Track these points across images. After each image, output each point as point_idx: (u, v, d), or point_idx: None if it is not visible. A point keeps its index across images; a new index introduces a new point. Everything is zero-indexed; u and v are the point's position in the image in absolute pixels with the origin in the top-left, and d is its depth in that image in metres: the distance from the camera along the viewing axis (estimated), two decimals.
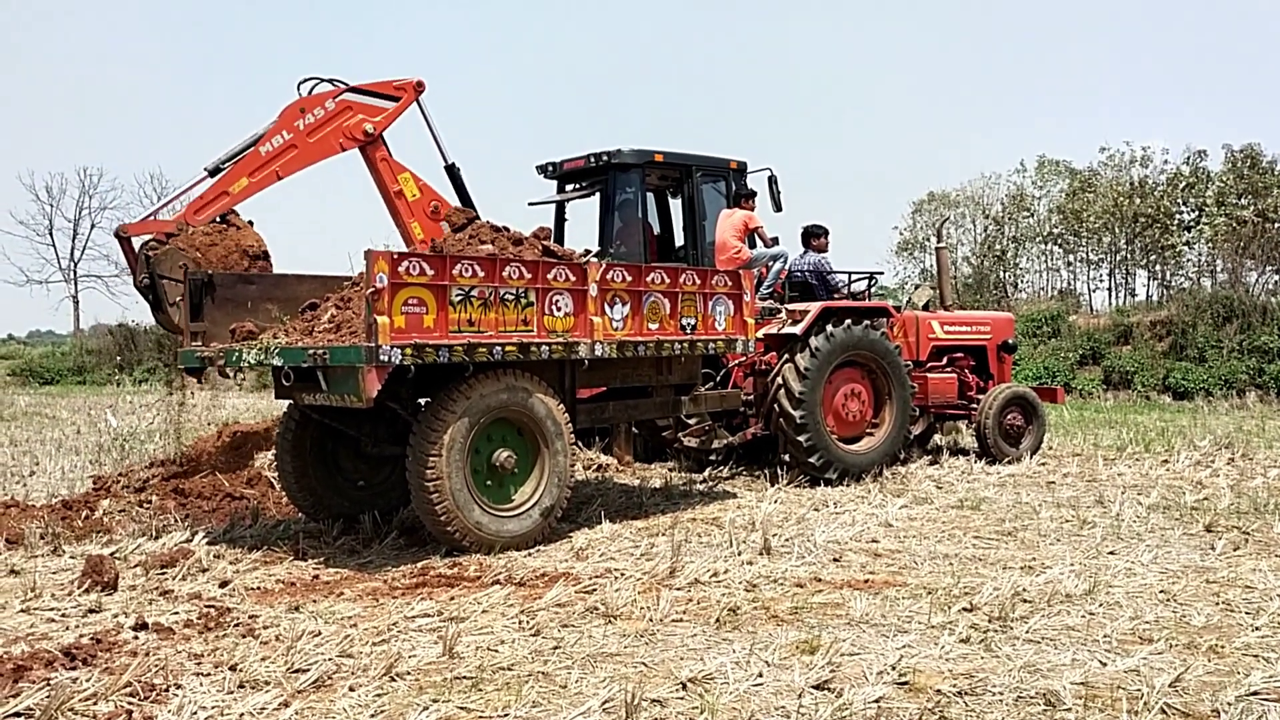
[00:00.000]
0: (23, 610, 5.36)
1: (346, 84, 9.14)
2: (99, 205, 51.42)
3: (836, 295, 10.52)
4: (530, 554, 6.65)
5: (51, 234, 49.90)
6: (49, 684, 4.11)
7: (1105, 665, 4.28)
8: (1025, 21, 79.61)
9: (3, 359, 43.33)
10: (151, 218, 8.84)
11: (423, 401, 6.77)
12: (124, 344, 38.49)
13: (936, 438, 12.03)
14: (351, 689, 4.11)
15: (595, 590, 5.56)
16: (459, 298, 6.37)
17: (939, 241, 13.96)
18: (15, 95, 78.21)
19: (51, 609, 5.38)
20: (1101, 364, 22.96)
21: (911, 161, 72.85)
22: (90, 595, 5.58)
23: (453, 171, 9.76)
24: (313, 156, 8.87)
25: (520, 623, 5.01)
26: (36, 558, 6.62)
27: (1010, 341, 11.93)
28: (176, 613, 5.27)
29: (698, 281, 7.99)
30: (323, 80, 9.12)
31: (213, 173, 8.96)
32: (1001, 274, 35.64)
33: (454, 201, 9.57)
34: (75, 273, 49.87)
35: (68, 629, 5.03)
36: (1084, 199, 33.59)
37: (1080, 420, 15.64)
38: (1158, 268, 33.08)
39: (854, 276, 10.95)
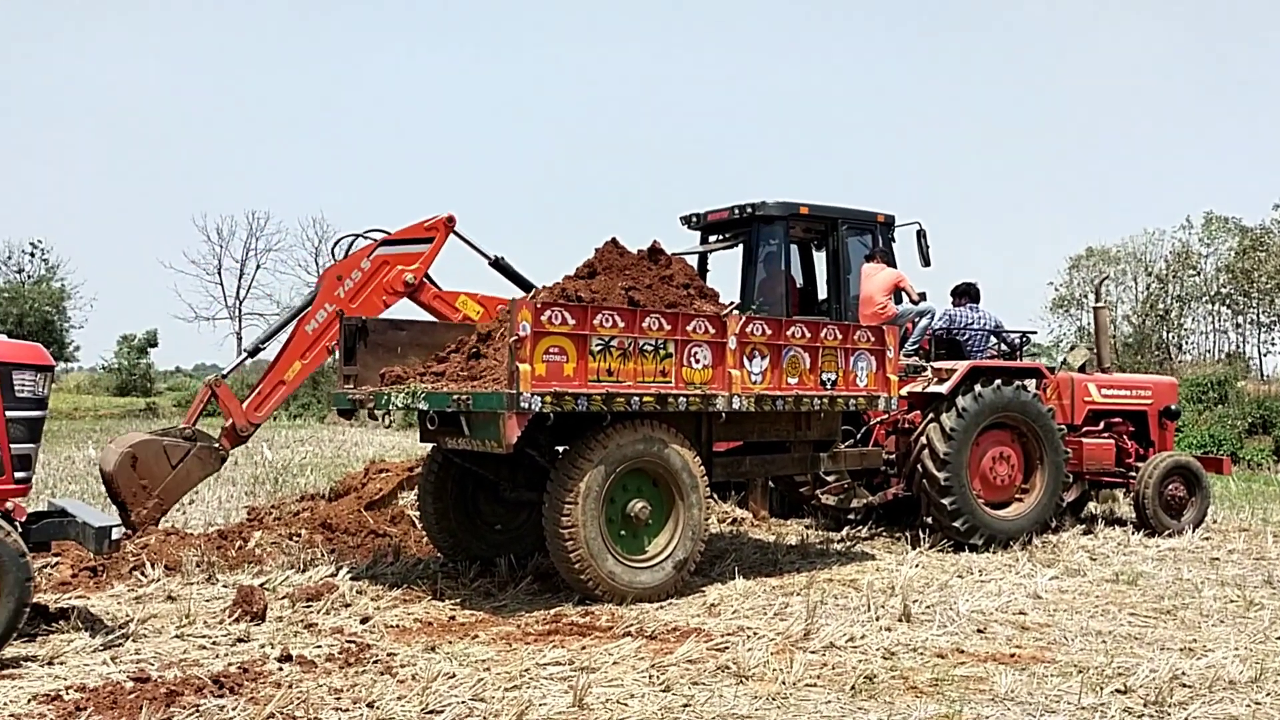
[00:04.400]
0: (177, 635, 5.63)
1: (382, 233, 8.91)
2: (264, 247, 54.15)
3: (1016, 355, 10.37)
4: (662, 607, 6.60)
5: (220, 273, 52.79)
6: (198, 710, 4.27)
7: None
8: (1190, 71, 76.47)
9: (171, 390, 46.12)
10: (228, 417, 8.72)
11: (560, 449, 6.84)
12: None
13: (1091, 506, 11.47)
14: None
15: (727, 648, 5.46)
16: (599, 347, 6.43)
17: (1097, 300, 13.38)
18: (191, 138, 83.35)
19: (203, 636, 5.63)
20: (1272, 433, 21.63)
21: (1069, 215, 70.53)
22: (240, 624, 5.81)
23: (500, 265, 9.36)
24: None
25: (651, 677, 4.96)
26: (192, 585, 6.94)
27: (1173, 407, 11.31)
28: (319, 646, 5.43)
29: (839, 336, 7.86)
30: (357, 236, 8.97)
31: (251, 353, 9.31)
32: (1164, 335, 34.11)
33: (514, 292, 9.13)
34: (240, 310, 52.64)
35: (217, 656, 5.24)
36: (1255, 258, 32.00)
37: (1248, 493, 14.67)
38: None
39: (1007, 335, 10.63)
